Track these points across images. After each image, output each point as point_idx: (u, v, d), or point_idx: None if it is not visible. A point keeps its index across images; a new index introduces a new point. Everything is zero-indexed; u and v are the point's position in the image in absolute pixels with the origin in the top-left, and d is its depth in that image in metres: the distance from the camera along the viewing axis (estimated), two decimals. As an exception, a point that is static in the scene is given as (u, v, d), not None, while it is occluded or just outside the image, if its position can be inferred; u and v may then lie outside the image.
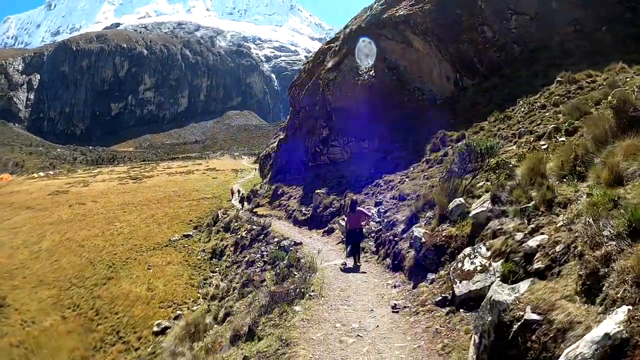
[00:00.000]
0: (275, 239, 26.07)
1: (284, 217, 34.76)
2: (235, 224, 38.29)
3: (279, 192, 41.89)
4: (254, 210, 42.07)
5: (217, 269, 32.86)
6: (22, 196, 79.86)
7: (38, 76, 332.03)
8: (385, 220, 16.97)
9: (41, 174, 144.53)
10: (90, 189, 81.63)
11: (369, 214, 17.10)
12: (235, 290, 21.85)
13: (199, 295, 29.74)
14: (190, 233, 44.37)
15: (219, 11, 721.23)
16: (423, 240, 11.04)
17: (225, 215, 42.97)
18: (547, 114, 19.31)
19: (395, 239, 14.19)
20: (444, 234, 10.67)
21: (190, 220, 48.89)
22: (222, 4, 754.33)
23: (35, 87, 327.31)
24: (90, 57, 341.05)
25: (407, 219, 14.68)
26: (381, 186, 24.02)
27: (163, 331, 24.70)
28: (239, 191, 53.43)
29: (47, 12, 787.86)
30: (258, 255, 26.22)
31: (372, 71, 38.64)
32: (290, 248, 21.46)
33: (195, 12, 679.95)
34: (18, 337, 29.01)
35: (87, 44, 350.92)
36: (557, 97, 20.28)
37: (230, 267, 30.24)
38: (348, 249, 15.42)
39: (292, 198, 37.53)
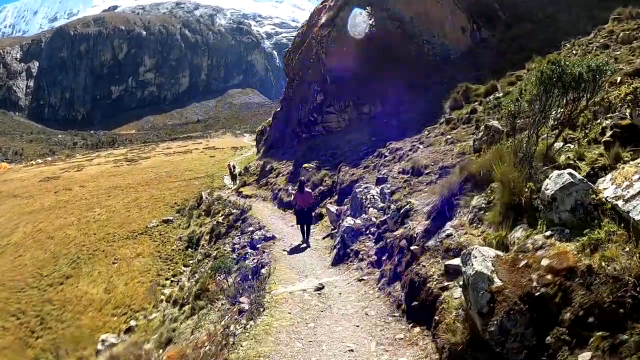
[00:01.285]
0: (251, 228, 20.24)
1: (270, 197, 29.03)
2: (217, 206, 32.59)
3: (267, 169, 35.93)
4: (240, 190, 36.31)
5: (191, 261, 28.63)
6: (12, 184, 76.28)
7: (37, 63, 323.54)
8: (393, 206, 10.83)
9: (39, 160, 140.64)
10: (83, 173, 78.04)
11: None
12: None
13: (162, 297, 25.03)
14: (171, 218, 39.75)
15: None
16: (496, 282, 4.48)
17: (209, 197, 37.83)
18: (617, 52, 14.19)
19: (412, 247, 8.04)
20: (544, 262, 4.30)
21: (175, 203, 44.28)
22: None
23: (34, 74, 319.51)
24: (88, 41, 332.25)
25: (432, 208, 8.66)
26: (385, 157, 17.80)
27: (108, 349, 19.64)
28: (233, 167, 47.69)
29: None
30: (229, 249, 20.46)
31: (372, 23, 32.36)
32: (257, 246, 15.64)
33: None
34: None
35: (84, 28, 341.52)
36: (627, 33, 15.30)
37: (202, 262, 24.93)
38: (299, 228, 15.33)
39: (281, 175, 31.62)
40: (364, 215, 11.88)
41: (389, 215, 10.32)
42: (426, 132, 18.07)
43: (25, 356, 23.22)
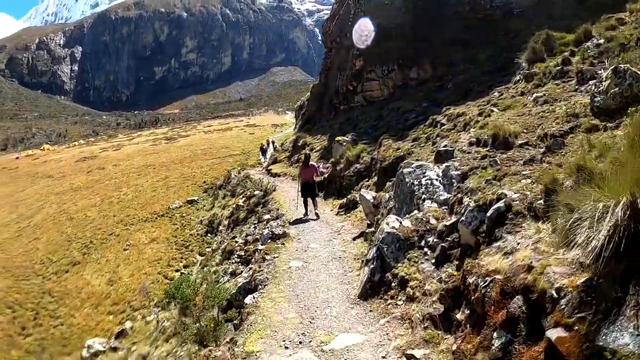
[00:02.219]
0: (267, 216, 16.33)
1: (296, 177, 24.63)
2: (242, 186, 28.71)
3: (299, 144, 31.77)
4: (270, 167, 32.28)
5: (207, 249, 25.46)
6: (50, 165, 77.12)
7: (80, 48, 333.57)
8: (469, 201, 6.12)
9: (81, 141, 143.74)
10: (120, 152, 78.19)
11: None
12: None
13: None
14: (196, 198, 36.94)
15: None
16: None
17: (237, 176, 34.05)
18: None
19: (550, 331, 3.39)
20: None
21: (204, 182, 41.75)
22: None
23: (78, 59, 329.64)
24: (129, 25, 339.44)
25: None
26: (442, 125, 13.10)
27: (93, 358, 17.36)
28: (272, 142, 44.06)
29: None
30: (240, 240, 16.50)
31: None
32: (260, 248, 11.51)
33: None
34: None
35: (125, 11, 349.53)
36: None
37: (215, 253, 21.47)
38: (302, 201, 14.71)
39: (314, 151, 27.30)
40: (416, 212, 7.39)
41: (463, 218, 5.79)
42: (497, 94, 13.46)
43: (8, 358, 20.77)
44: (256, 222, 16.94)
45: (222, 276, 13.83)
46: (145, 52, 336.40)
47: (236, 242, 16.44)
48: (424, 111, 17.18)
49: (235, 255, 14.72)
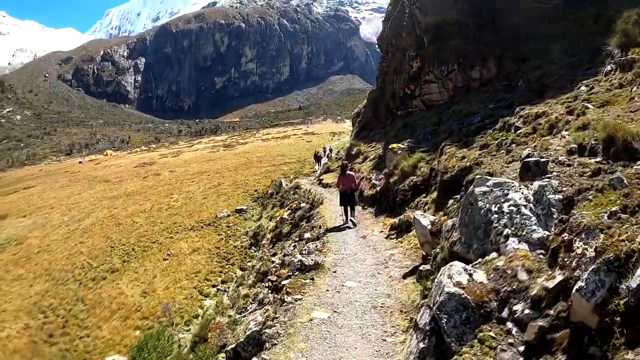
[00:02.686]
0: (308, 234, 14.46)
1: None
2: (290, 197, 27.27)
3: (353, 153, 29.61)
4: (321, 177, 30.27)
5: (249, 263, 24.36)
6: (109, 170, 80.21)
7: (143, 60, 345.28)
8: (586, 251, 3.76)
9: (143, 147, 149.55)
10: (178, 158, 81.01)
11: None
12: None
13: (199, 310, 21.30)
14: (245, 207, 35.82)
15: None
16: None
17: (288, 185, 32.90)
18: None
19: None
20: None
21: (255, 190, 40.91)
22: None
23: (141, 69, 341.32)
24: (190, 37, 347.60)
25: None
26: (518, 129, 10.49)
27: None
28: (330, 150, 42.54)
29: (145, 0, 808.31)
30: (277, 262, 14.35)
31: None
32: (283, 283, 9.38)
33: None
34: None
35: (186, 24, 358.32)
36: None
37: (252, 270, 19.93)
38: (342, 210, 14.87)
39: (367, 160, 25.11)
40: (494, 256, 4.85)
41: (583, 283, 3.43)
42: (584, 88, 10.81)
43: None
44: (297, 239, 14.98)
45: (251, 303, 11.93)
46: (206, 62, 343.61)
47: (272, 262, 14.46)
48: (491, 113, 14.61)
49: (268, 280, 12.75)
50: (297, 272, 9.41)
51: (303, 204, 20.66)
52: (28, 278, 31.36)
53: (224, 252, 27.61)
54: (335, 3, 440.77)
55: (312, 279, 8.73)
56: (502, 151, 10.12)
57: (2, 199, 70.67)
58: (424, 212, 11.17)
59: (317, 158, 41.06)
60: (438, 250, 7.13)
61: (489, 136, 12.12)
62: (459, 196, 9.38)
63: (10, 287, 30.22)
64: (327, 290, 8.15)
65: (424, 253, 8.71)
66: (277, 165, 51.20)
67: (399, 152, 16.10)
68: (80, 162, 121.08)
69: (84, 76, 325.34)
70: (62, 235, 39.42)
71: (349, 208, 14.43)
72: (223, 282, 23.43)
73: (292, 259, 11.04)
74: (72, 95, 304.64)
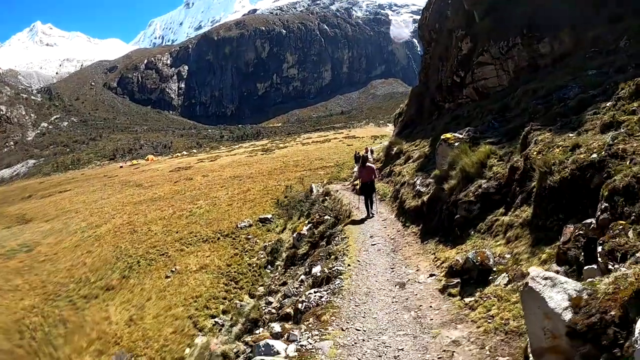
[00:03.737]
0: (316, 270, 9.62)
1: (389, 196, 17.52)
2: (318, 207, 22.21)
3: (393, 152, 24.64)
4: (356, 182, 25.33)
5: (260, 287, 20.53)
6: (145, 174, 79.92)
7: (186, 67, 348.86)
8: None
9: (184, 152, 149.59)
10: (215, 163, 78.76)
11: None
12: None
13: (186, 350, 17.27)
14: (270, 216, 31.62)
15: None
16: None
17: (319, 191, 28.61)
18: None
19: None
20: None
21: (286, 197, 36.14)
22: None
23: (184, 77, 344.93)
24: (231, 44, 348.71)
25: None
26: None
27: None
28: (371, 152, 38.15)
29: (187, 10, 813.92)
30: (274, 303, 9.86)
31: None
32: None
33: None
34: None
35: (227, 32, 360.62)
36: None
37: (261, 299, 15.54)
38: (363, 200, 15.25)
39: (410, 161, 19.88)
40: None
41: None
42: None
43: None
44: (307, 270, 10.19)
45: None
46: (248, 68, 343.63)
47: (269, 303, 9.88)
48: (595, 82, 9.58)
49: (259, 331, 8.06)
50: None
51: (327, 217, 15.95)
52: (23, 290, 28.52)
53: (234, 272, 23.44)
54: (375, 7, 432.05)
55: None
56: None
57: (34, 202, 70.97)
58: (508, 242, 6.31)
59: (358, 159, 36.61)
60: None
61: (610, 110, 7.13)
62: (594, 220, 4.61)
63: (2, 299, 27.44)
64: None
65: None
66: (313, 170, 47.86)
67: (456, 144, 11.08)
68: (121, 167, 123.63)
69: (128, 84, 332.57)
70: (74, 242, 36.65)
71: (369, 200, 14.80)
72: (224, 312, 19.19)
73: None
74: (117, 103, 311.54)
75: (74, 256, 32.92)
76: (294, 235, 18.11)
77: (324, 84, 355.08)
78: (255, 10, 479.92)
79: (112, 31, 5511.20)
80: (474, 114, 18.42)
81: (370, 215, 14.51)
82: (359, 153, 38.49)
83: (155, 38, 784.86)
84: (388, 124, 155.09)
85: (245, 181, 48.51)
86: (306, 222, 18.39)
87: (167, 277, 24.81)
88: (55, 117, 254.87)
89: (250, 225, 29.73)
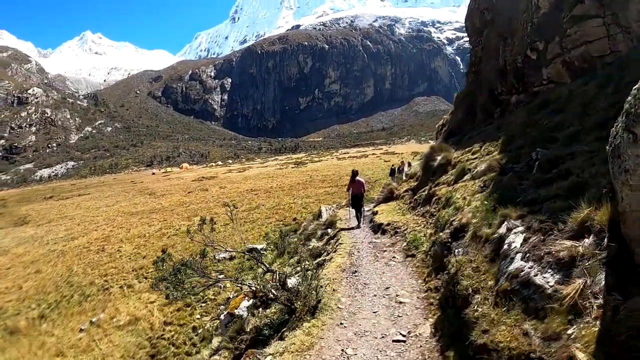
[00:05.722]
0: None
1: (422, 252, 8.67)
2: (309, 244, 14.30)
3: (435, 164, 14.43)
4: (376, 209, 15.88)
5: None
6: (166, 182, 77.11)
7: (229, 80, 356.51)
8: None
9: (219, 162, 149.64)
10: (241, 174, 75.68)
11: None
12: None
13: None
14: (261, 247, 22.58)
15: (393, 0, 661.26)
16: None
17: (330, 216, 18.87)
18: None
19: None
20: None
21: (294, 219, 29.47)
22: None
23: (227, 89, 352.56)
24: (275, 58, 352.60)
25: None
26: None
27: None
28: (409, 164, 30.32)
29: (232, 24, 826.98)
30: None
31: None
32: None
33: (370, 4, 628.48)
34: None
35: (270, 46, 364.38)
36: None
37: None
38: (353, 212, 15.18)
39: (469, 176, 9.87)
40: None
41: None
42: None
43: None
44: None
45: None
46: (290, 83, 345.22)
47: None
48: None
49: None
50: None
51: (293, 281, 7.28)
52: None
53: (168, 338, 15.35)
54: (418, 24, 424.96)
55: None
56: None
57: (47, 204, 68.44)
58: None
59: (393, 173, 30.92)
60: None
61: None
62: None
63: None
64: None
65: None
66: (340, 187, 40.34)
67: None
68: (153, 173, 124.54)
69: (172, 94, 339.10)
70: (36, 256, 31.67)
71: (358, 212, 14.72)
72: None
73: None
74: (161, 111, 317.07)
75: (20, 274, 27.53)
76: (223, 315, 9.73)
77: (366, 100, 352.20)
78: (298, 26, 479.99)
79: (160, 43, 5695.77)
80: (569, 108, 9.29)
81: (359, 226, 13.95)
82: (394, 166, 33.62)
83: (201, 51, 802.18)
84: (430, 141, 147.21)
85: (260, 196, 42.61)
86: (249, 291, 9.73)
87: (81, 329, 17.41)
88: (99, 122, 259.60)
89: (232, 258, 21.54)
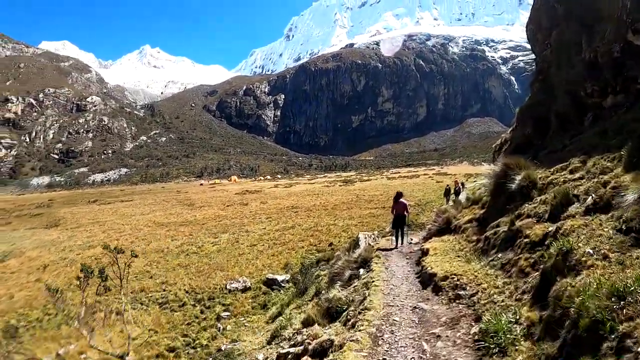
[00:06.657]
0: None
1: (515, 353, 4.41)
2: (331, 291, 9.61)
3: (511, 188, 9.37)
4: (425, 246, 11.06)
5: None
6: (213, 194, 76.13)
7: (282, 96, 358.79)
8: None
9: (268, 177, 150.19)
10: (286, 190, 73.14)
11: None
12: None
13: None
14: (282, 278, 18.90)
15: (446, 19, 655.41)
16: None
17: (370, 246, 14.98)
18: None
19: None
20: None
21: (330, 245, 25.29)
22: (449, 12, 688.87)
23: (280, 105, 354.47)
24: (328, 75, 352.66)
25: None
26: None
27: None
28: (462, 185, 26.57)
29: (287, 42, 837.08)
30: None
31: None
32: None
33: (423, 23, 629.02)
34: None
35: (324, 63, 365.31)
36: None
37: None
38: (394, 231, 14.47)
39: (580, 204, 5.88)
40: None
41: None
42: None
43: None
44: None
45: None
46: (343, 100, 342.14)
47: None
48: None
49: None
50: None
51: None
52: None
53: None
54: (472, 43, 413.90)
55: None
56: None
57: (85, 207, 68.62)
58: None
59: (447, 193, 27.94)
60: None
61: None
62: None
63: None
64: None
65: None
66: (386, 208, 35.82)
67: None
68: (201, 184, 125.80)
69: (226, 108, 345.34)
70: (46, 262, 29.14)
71: (400, 232, 14.06)
72: None
73: None
74: (215, 124, 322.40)
75: (20, 281, 25.28)
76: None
77: (419, 120, 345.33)
78: (352, 44, 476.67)
79: (216, 58, 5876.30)
80: None
81: (398, 247, 13.09)
82: (449, 186, 29.33)
83: (256, 67, 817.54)
84: (483, 163, 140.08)
85: (299, 214, 39.48)
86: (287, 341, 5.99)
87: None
88: (154, 132, 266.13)
89: (246, 289, 17.67)
